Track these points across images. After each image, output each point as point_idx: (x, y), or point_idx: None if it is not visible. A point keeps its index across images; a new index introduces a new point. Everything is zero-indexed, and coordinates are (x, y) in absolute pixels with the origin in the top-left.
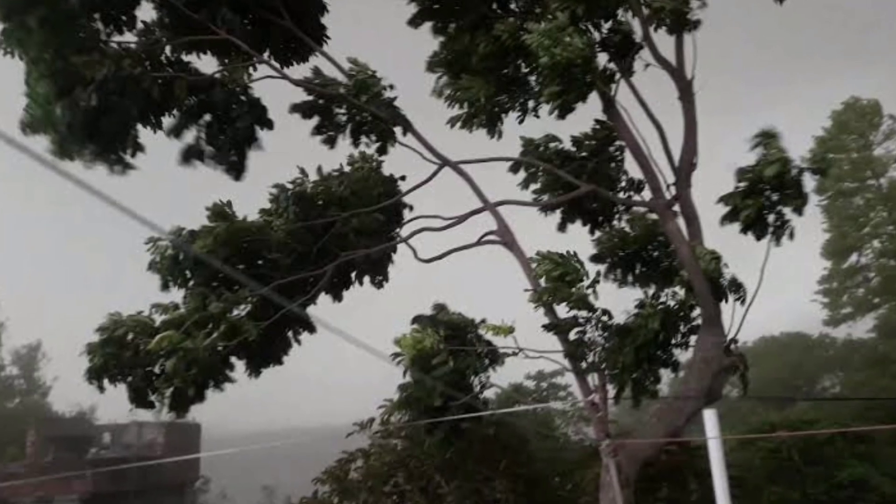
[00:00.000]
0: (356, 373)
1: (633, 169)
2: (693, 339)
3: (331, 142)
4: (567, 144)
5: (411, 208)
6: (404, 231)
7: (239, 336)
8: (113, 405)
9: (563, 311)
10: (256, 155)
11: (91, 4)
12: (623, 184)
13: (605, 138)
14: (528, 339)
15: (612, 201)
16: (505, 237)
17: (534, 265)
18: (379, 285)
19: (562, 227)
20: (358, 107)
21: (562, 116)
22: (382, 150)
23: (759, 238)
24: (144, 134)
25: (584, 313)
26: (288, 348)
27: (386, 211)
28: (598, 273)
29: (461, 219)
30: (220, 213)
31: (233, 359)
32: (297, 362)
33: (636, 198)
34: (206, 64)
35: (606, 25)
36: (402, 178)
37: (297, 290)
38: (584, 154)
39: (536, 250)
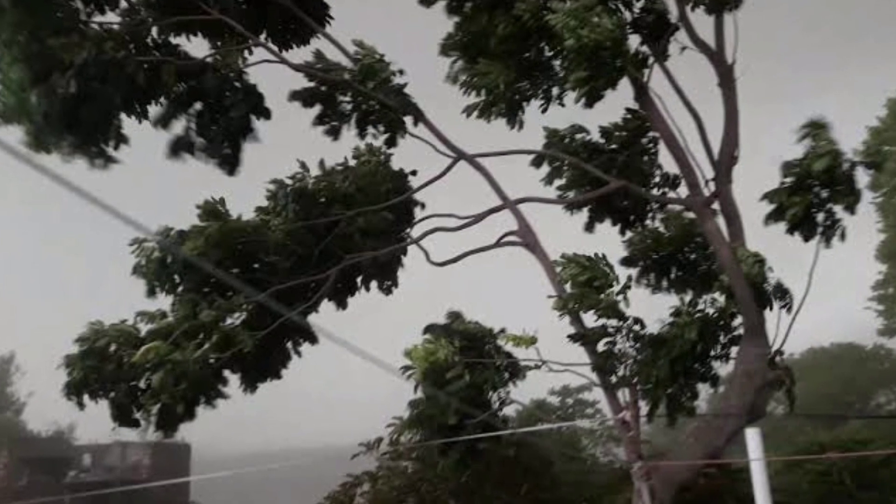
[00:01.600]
0: (362, 388)
1: (667, 163)
2: (734, 350)
3: (334, 133)
4: (595, 136)
5: (423, 206)
6: (415, 231)
7: (233, 347)
8: (94, 424)
9: (590, 319)
10: (252, 147)
11: None
12: (657, 179)
13: (637, 129)
14: (552, 350)
15: (645, 198)
16: (526, 238)
17: (558, 269)
18: (387, 291)
19: (589, 227)
20: (364, 94)
21: (589, 105)
22: (391, 142)
23: (806, 239)
24: (128, 124)
25: (613, 322)
26: (287, 361)
27: (395, 209)
28: (630, 278)
29: (478, 218)
30: (212, 211)
31: (226, 372)
32: (297, 376)
33: (671, 195)
34: (197, 47)
35: (638, 4)
36: (413, 172)
37: (298, 297)
38: (613, 146)
39: (561, 252)
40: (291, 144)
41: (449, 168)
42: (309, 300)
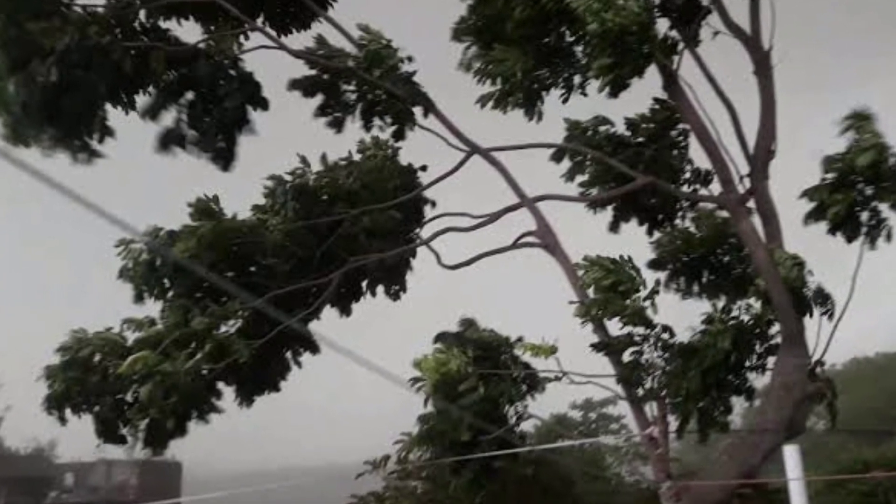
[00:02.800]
0: (367, 402)
1: (699, 157)
2: (771, 360)
3: (338, 125)
4: (620, 128)
5: (434, 204)
6: (425, 232)
7: (227, 357)
8: (76, 440)
9: (615, 327)
10: (248, 141)
11: None
12: (687, 175)
13: (665, 120)
14: (574, 360)
15: (675, 196)
16: (546, 239)
17: (580, 272)
18: (395, 296)
19: (614, 227)
20: (370, 83)
21: (614, 95)
22: (399, 135)
23: (849, 240)
24: (114, 115)
25: (640, 330)
26: (286, 372)
27: (403, 207)
28: (658, 282)
29: (494, 217)
30: (205, 210)
31: (220, 385)
32: (297, 389)
33: (703, 192)
34: (189, 31)
35: None
36: (423, 168)
37: (298, 303)
38: (640, 139)
39: (584, 255)
40: (291, 138)
41: (462, 163)
42: (310, 306)
